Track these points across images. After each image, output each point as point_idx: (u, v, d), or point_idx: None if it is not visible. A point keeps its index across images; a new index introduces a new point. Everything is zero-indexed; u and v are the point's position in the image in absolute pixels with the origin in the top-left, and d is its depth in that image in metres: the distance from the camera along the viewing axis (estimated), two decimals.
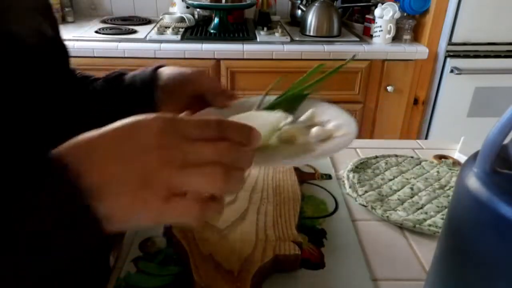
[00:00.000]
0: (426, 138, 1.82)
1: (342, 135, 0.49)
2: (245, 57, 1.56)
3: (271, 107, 0.55)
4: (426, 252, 0.52)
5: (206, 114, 0.52)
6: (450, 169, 0.70)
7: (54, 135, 0.40)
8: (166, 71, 0.55)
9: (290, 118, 0.50)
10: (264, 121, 0.46)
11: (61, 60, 0.52)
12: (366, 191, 0.63)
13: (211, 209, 0.31)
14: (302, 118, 0.55)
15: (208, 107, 0.54)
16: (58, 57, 0.51)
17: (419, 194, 0.63)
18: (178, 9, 1.87)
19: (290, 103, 0.55)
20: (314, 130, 0.51)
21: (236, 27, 1.81)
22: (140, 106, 0.53)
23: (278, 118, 0.47)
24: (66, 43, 0.55)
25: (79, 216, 0.28)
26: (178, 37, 1.62)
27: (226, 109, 0.53)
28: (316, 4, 1.71)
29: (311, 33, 1.72)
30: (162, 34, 1.65)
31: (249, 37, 1.66)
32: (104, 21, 1.86)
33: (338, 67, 0.57)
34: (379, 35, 1.65)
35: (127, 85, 0.56)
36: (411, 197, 0.62)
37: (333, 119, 0.55)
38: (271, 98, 0.57)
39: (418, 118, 1.80)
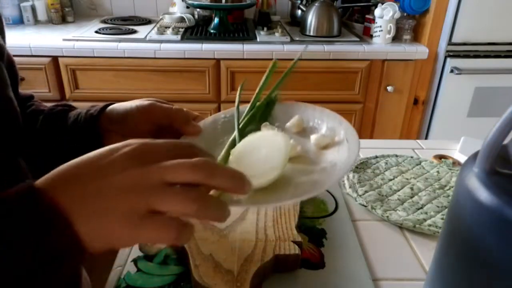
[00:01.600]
0: (426, 138, 1.82)
1: (343, 138, 0.46)
2: (245, 57, 1.56)
3: (250, 120, 0.51)
4: (426, 252, 0.52)
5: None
6: (450, 169, 0.70)
7: None
8: (118, 108, 0.51)
9: (292, 140, 0.46)
10: (273, 146, 0.42)
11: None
12: (366, 191, 0.63)
13: (188, 230, 0.30)
14: (288, 124, 0.52)
15: (179, 135, 0.50)
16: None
17: (419, 194, 0.63)
18: (178, 9, 1.87)
19: (264, 111, 0.53)
20: (313, 139, 0.48)
21: (236, 27, 1.81)
22: (85, 144, 0.49)
23: (285, 139, 0.43)
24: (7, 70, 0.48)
25: (55, 239, 0.27)
26: (178, 37, 1.62)
27: (200, 134, 0.50)
28: (316, 4, 1.71)
29: (311, 33, 1.72)
30: (162, 34, 1.65)
31: (249, 37, 1.66)
32: (104, 21, 1.86)
33: (293, 63, 0.54)
34: (379, 35, 1.65)
35: (71, 123, 0.52)
36: (411, 197, 0.62)
37: (321, 121, 0.51)
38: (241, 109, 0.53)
39: (418, 118, 1.80)
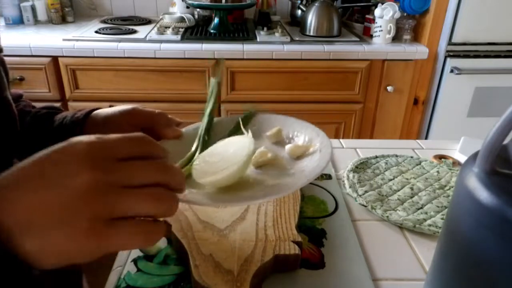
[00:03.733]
0: (426, 138, 1.82)
1: (317, 149, 0.49)
2: (245, 57, 1.56)
3: (233, 132, 0.54)
4: (426, 252, 0.52)
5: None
6: (450, 169, 0.70)
7: None
8: (102, 113, 0.52)
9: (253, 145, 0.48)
10: (239, 146, 0.45)
11: None
12: (366, 191, 0.63)
13: (157, 230, 0.29)
14: (268, 134, 0.55)
15: (160, 139, 0.51)
16: None
17: (419, 194, 0.63)
18: (178, 9, 1.87)
19: (242, 122, 0.54)
20: (287, 148, 0.51)
21: (236, 27, 1.81)
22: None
23: (250, 140, 0.45)
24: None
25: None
26: (178, 37, 1.62)
27: (180, 138, 0.52)
28: (316, 4, 1.71)
29: (311, 33, 1.72)
30: (162, 34, 1.65)
31: (249, 37, 1.66)
32: (104, 21, 1.86)
33: (218, 74, 0.56)
34: (379, 35, 1.65)
35: (56, 126, 0.53)
36: (411, 197, 0.62)
37: (300, 133, 0.54)
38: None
39: (418, 118, 1.80)
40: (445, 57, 1.65)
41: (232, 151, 0.44)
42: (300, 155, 0.50)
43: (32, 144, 0.53)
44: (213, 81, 0.54)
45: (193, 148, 0.49)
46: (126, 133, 0.49)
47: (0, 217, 0.25)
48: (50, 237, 0.26)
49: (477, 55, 1.64)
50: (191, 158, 0.47)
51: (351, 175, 0.67)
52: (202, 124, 0.53)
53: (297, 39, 1.67)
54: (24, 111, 0.56)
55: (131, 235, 0.28)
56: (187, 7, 1.85)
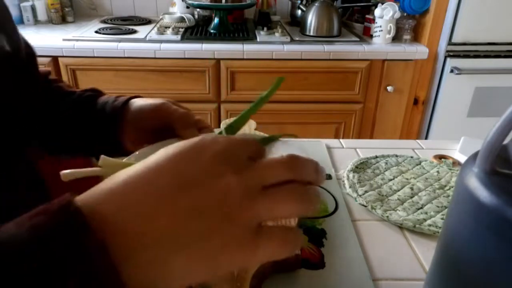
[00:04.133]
0: (426, 138, 1.82)
1: None
2: (245, 57, 1.56)
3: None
4: (426, 252, 0.52)
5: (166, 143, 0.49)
6: (450, 169, 0.70)
7: (12, 148, 0.39)
8: (136, 103, 0.53)
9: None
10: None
11: (20, 72, 0.49)
12: (366, 191, 0.63)
13: (299, 238, 0.26)
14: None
15: (175, 137, 0.50)
16: (11, 69, 0.47)
17: (419, 194, 0.63)
18: (178, 9, 1.87)
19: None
20: None
21: (236, 27, 1.81)
22: (104, 133, 0.52)
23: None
24: (33, 51, 0.53)
25: None
26: (178, 37, 1.62)
27: None
28: (316, 4, 1.71)
29: (311, 33, 1.72)
30: (162, 34, 1.65)
31: (249, 37, 1.66)
32: (104, 21, 1.86)
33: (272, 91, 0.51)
34: (379, 35, 1.65)
35: (98, 110, 0.54)
36: (411, 197, 0.62)
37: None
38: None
39: (418, 118, 1.80)
40: (445, 57, 1.65)
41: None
42: None
43: (72, 126, 0.55)
44: (278, 79, 0.50)
45: None
46: (151, 126, 0.50)
47: (115, 243, 0.20)
48: (201, 250, 0.22)
49: (477, 55, 1.64)
50: None
51: (351, 175, 0.67)
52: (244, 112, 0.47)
53: (297, 39, 1.67)
54: (66, 91, 0.58)
55: (280, 243, 0.25)
56: (187, 7, 1.85)
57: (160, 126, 0.50)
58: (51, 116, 0.55)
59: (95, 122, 0.53)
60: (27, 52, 0.52)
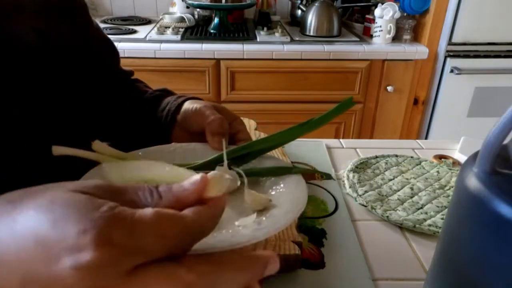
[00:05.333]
0: (426, 138, 1.82)
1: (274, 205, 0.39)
2: (245, 57, 1.56)
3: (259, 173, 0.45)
4: (426, 252, 0.52)
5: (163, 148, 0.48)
6: (450, 169, 0.70)
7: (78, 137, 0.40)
8: (186, 105, 0.54)
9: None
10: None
11: (87, 61, 0.53)
12: (366, 191, 0.63)
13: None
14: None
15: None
16: (72, 58, 0.50)
17: (419, 194, 0.63)
18: (178, 9, 1.87)
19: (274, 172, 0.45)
20: (247, 194, 0.39)
21: (236, 27, 1.81)
22: (159, 132, 0.55)
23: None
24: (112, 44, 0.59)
25: None
26: (178, 37, 1.62)
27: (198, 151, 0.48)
28: (316, 4, 1.71)
29: (311, 33, 1.72)
30: (162, 34, 1.65)
31: (249, 37, 1.66)
32: (104, 21, 1.86)
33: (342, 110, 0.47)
34: (379, 35, 1.65)
35: (159, 110, 0.57)
36: (411, 197, 0.62)
37: (286, 187, 0.42)
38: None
39: (418, 118, 1.80)
40: (445, 57, 1.65)
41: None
42: (261, 209, 0.39)
43: (135, 123, 0.58)
44: (347, 99, 0.45)
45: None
46: (193, 130, 0.52)
47: None
48: None
49: (477, 55, 1.64)
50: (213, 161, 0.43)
51: (351, 175, 0.67)
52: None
53: (297, 39, 1.67)
54: (141, 90, 0.62)
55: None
56: (187, 7, 1.85)
57: (199, 129, 0.51)
58: (120, 112, 0.58)
59: (154, 121, 0.56)
60: (104, 48, 0.58)
